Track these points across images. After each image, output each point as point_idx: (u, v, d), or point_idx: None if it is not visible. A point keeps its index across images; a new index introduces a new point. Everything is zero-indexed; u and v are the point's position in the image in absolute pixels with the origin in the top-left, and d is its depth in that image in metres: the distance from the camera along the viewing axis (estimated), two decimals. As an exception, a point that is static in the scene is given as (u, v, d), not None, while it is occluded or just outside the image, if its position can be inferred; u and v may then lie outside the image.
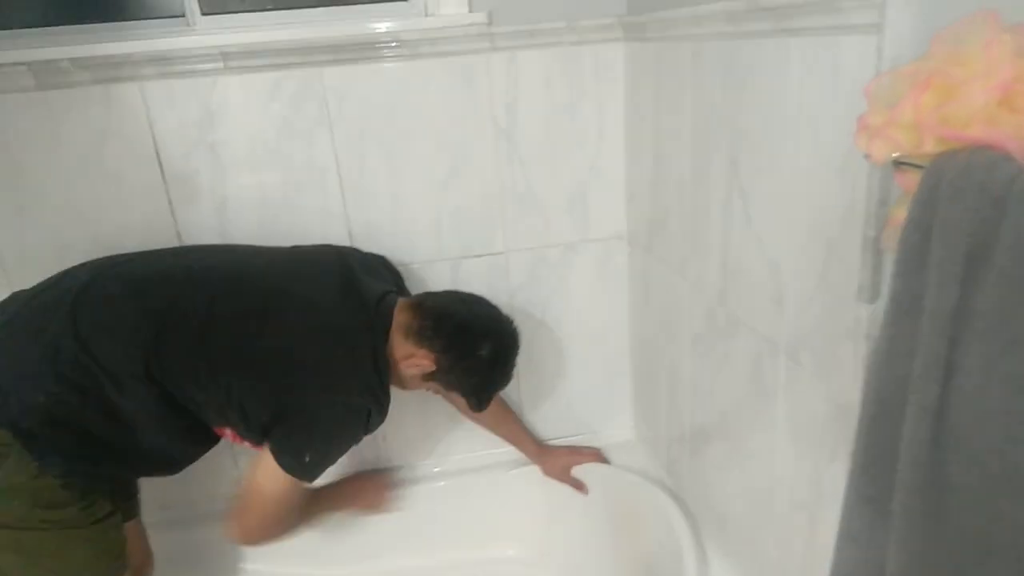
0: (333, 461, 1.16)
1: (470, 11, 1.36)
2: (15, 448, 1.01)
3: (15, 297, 1.15)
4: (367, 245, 1.47)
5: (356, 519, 1.53)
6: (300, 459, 1.11)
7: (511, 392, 1.63)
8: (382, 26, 1.33)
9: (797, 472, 0.98)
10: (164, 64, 1.30)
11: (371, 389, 1.14)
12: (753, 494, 1.12)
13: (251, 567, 1.60)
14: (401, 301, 1.25)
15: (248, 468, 1.17)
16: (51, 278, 1.15)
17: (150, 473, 1.22)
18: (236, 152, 1.38)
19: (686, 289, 1.27)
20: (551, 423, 1.70)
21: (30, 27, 1.35)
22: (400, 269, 1.49)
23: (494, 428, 1.56)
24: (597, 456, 1.61)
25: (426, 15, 1.38)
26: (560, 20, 1.39)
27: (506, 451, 1.63)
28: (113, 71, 1.29)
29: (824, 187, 0.81)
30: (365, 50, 1.35)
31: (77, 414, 1.04)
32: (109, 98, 1.31)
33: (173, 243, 1.41)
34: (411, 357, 1.20)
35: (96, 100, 1.30)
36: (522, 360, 1.60)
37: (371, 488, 1.48)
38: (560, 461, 1.59)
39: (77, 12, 1.37)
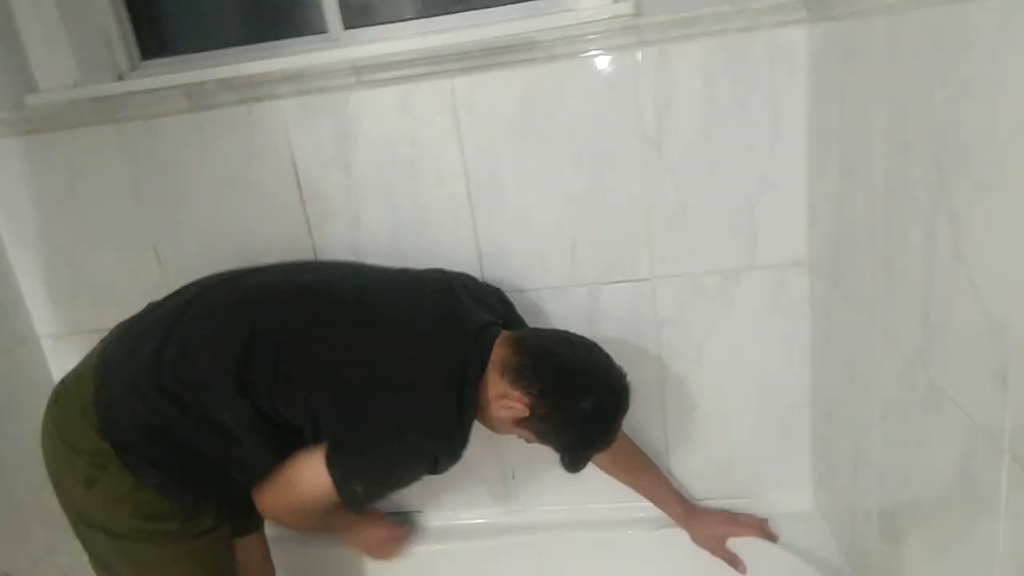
0: (384, 496, 1.10)
1: (614, 1, 1.17)
2: (114, 460, 1.02)
3: (148, 308, 1.19)
4: (496, 265, 1.35)
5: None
6: (349, 483, 1.05)
7: (656, 441, 1.41)
8: (514, 27, 1.20)
9: (1027, 625, 0.66)
10: (300, 81, 1.29)
11: (447, 433, 1.03)
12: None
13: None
14: (504, 335, 1.12)
15: (302, 451, 1.08)
16: (172, 293, 1.17)
17: (247, 488, 1.19)
18: (368, 169, 1.33)
19: (877, 337, 0.97)
20: (706, 481, 1.45)
21: (191, 52, 1.42)
22: (531, 295, 1.36)
23: (629, 481, 1.35)
24: (760, 528, 1.32)
25: (563, 10, 1.22)
26: (724, 2, 1.16)
27: (652, 506, 1.40)
28: (254, 91, 1.30)
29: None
30: (496, 55, 1.23)
31: (176, 426, 1.04)
32: (252, 117, 1.33)
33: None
34: (504, 397, 1.06)
35: (240, 120, 1.33)
36: (671, 403, 1.40)
37: (381, 539, 1.37)
38: (714, 529, 1.33)
39: (231, 36, 1.42)
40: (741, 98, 1.20)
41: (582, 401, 1.06)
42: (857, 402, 1.09)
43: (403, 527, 1.46)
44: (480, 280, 1.27)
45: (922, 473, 0.87)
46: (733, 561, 1.31)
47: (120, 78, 1.43)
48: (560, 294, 1.35)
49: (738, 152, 1.23)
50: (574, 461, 1.13)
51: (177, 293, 1.17)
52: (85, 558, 1.53)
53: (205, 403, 1.04)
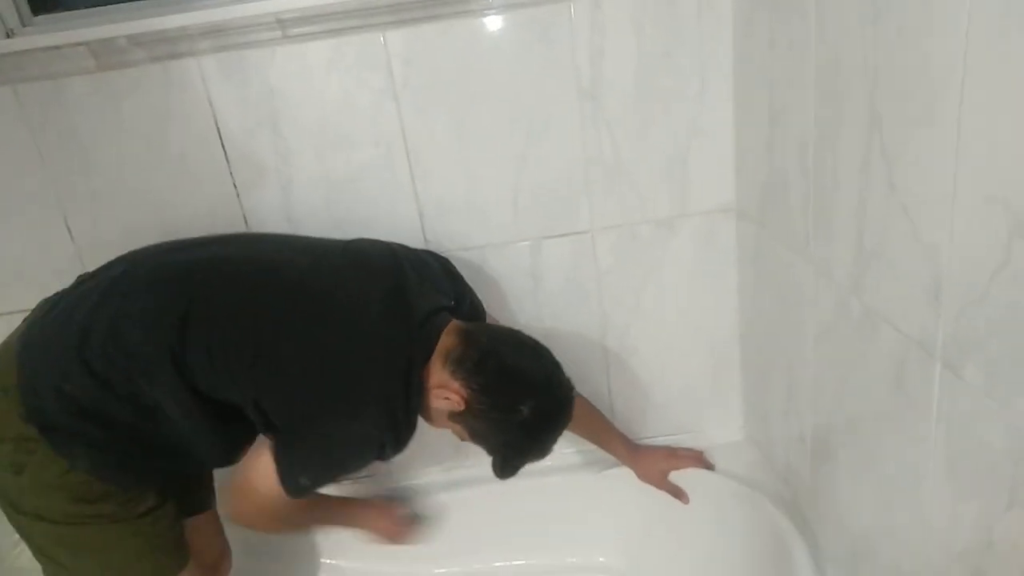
0: (330, 483, 1.07)
1: (546, -49, 1.17)
2: (41, 445, 0.96)
3: (78, 281, 1.11)
4: (437, 224, 1.34)
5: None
6: (295, 474, 1.00)
7: (599, 386, 1.47)
8: (447, -23, 1.18)
9: (957, 514, 0.75)
10: (220, 36, 1.21)
11: (394, 421, 1.00)
12: (895, 529, 0.90)
13: (331, 562, 1.55)
14: (453, 324, 1.09)
15: (248, 453, 1.06)
16: (100, 269, 1.10)
17: (185, 469, 1.15)
18: (299, 129, 1.28)
19: (809, 273, 1.04)
20: (646, 421, 1.52)
21: (92, 6, 1.31)
22: (474, 252, 1.36)
23: (576, 428, 1.39)
24: (699, 459, 1.41)
25: (496, -39, 1.21)
26: (654, -47, 1.18)
27: (595, 448, 1.46)
28: (169, 47, 1.22)
29: (1010, 137, 0.59)
30: (430, 7, 1.20)
31: (104, 404, 0.98)
32: (168, 76, 1.24)
33: (240, 227, 1.34)
34: (442, 387, 1.03)
35: (155, 79, 1.24)
36: (613, 350, 1.46)
37: (387, 519, 1.32)
38: (656, 464, 1.40)
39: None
40: (670, 46, 1.24)
41: (520, 404, 1.02)
42: (789, 335, 1.17)
43: (403, 505, 1.42)
44: (426, 255, 1.22)
45: (856, 392, 0.95)
46: (676, 492, 1.39)
47: (9, 35, 1.29)
48: (503, 250, 1.37)
49: (669, 102, 1.27)
50: (504, 467, 1.09)
51: (107, 266, 1.09)
52: (8, 559, 1.44)
53: (136, 381, 0.98)
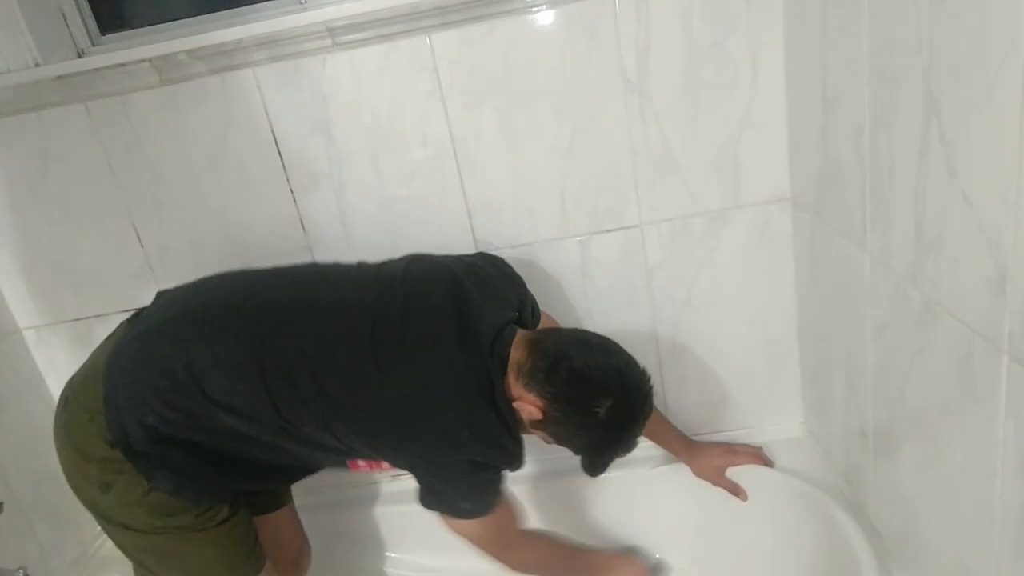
0: (496, 495, 1.09)
1: (590, -53, 1.17)
2: (127, 467, 1.02)
3: (159, 298, 1.15)
4: (486, 223, 1.36)
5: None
6: (460, 508, 1.07)
7: (652, 381, 1.45)
8: (490, -22, 1.19)
9: (1028, 513, 0.72)
10: (274, 47, 1.26)
11: (494, 444, 1.03)
12: (962, 526, 0.87)
13: (394, 555, 1.59)
14: (520, 335, 1.09)
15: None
16: (182, 288, 1.14)
17: (268, 486, 1.20)
18: (350, 133, 1.32)
19: (867, 263, 1.01)
20: (701, 417, 1.50)
21: (155, 24, 1.38)
22: (522, 250, 1.37)
23: None
24: (757, 456, 1.38)
25: (539, -42, 1.21)
26: (699, -57, 1.16)
27: (652, 444, 1.44)
28: (226, 59, 1.27)
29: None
30: (474, 7, 1.22)
31: (187, 434, 1.03)
32: (225, 87, 1.29)
33: (298, 232, 1.39)
34: (519, 400, 1.04)
35: (214, 90, 1.29)
36: (665, 345, 1.44)
37: (632, 572, 1.28)
38: (713, 461, 1.38)
39: (198, 5, 1.37)
40: (720, 37, 1.22)
41: (596, 406, 1.02)
42: (847, 327, 1.13)
43: (642, 560, 1.41)
44: (482, 261, 1.21)
45: (918, 386, 0.92)
46: (734, 489, 1.37)
47: (80, 55, 1.37)
48: (551, 247, 1.37)
49: (719, 92, 1.25)
50: (592, 466, 1.11)
51: (188, 289, 1.13)
52: (91, 549, 1.53)
53: (217, 417, 1.02)
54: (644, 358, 1.42)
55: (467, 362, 1.03)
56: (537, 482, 1.51)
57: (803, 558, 1.27)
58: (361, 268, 1.18)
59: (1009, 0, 0.61)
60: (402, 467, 1.09)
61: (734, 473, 1.37)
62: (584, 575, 1.26)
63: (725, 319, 1.42)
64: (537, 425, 1.06)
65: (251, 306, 1.07)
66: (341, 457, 1.14)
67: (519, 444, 1.06)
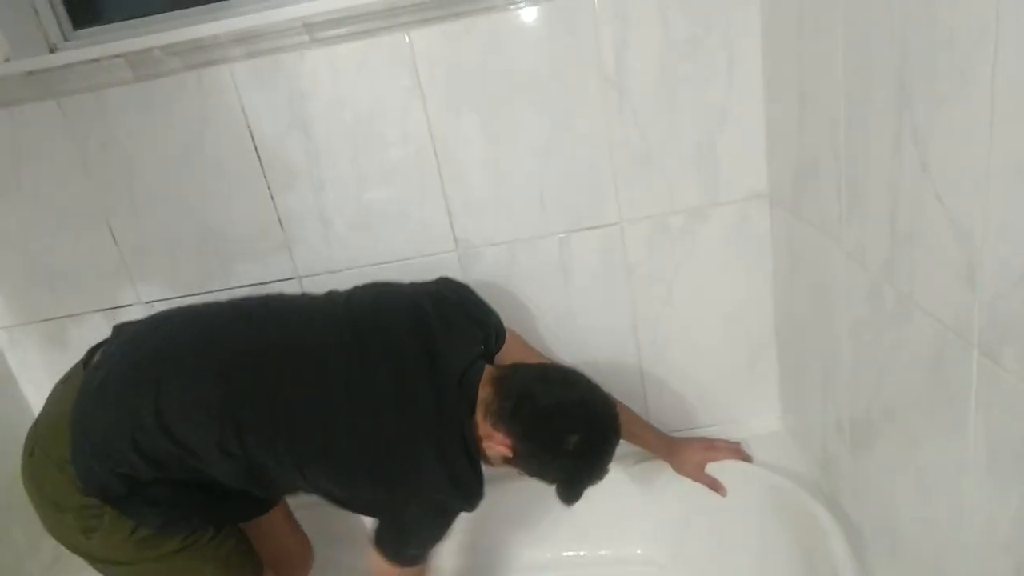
0: (435, 545, 1.11)
1: (568, -57, 1.17)
2: (107, 511, 1.01)
3: (117, 334, 1.12)
4: (466, 221, 1.35)
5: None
6: (405, 552, 1.09)
7: (632, 379, 1.46)
8: (469, -27, 1.18)
9: (996, 504, 0.73)
10: (250, 42, 1.24)
11: (462, 484, 1.04)
12: (935, 519, 0.88)
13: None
14: (486, 372, 1.11)
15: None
16: (142, 327, 1.12)
17: (252, 512, 1.21)
18: (329, 131, 1.31)
19: (842, 259, 1.02)
20: (681, 413, 1.50)
21: (130, 19, 1.36)
22: (503, 248, 1.37)
23: None
24: (736, 451, 1.39)
25: (517, -45, 1.21)
26: (675, -61, 1.17)
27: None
28: (202, 55, 1.25)
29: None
30: (453, 4, 1.21)
31: (161, 479, 1.02)
32: (202, 84, 1.28)
33: (276, 230, 1.38)
34: (489, 438, 1.06)
35: (190, 87, 1.28)
36: (645, 342, 1.45)
37: None
38: (693, 456, 1.39)
39: (173, 0, 1.36)
40: (697, 32, 1.22)
41: (563, 441, 1.05)
42: (824, 323, 1.14)
43: None
44: (446, 290, 1.20)
45: (893, 381, 0.92)
46: (713, 485, 1.37)
47: (53, 50, 1.35)
48: (531, 245, 1.37)
49: (696, 88, 1.26)
50: (567, 496, 1.12)
51: (149, 328, 1.11)
52: (68, 551, 1.51)
53: (190, 463, 1.02)
54: (624, 355, 1.45)
55: (437, 403, 1.04)
56: (517, 478, 1.50)
57: (782, 551, 1.27)
58: (327, 304, 1.15)
59: (978, -4, 0.62)
60: (365, 510, 1.11)
61: (714, 468, 1.38)
62: None
63: (704, 316, 1.42)
64: (509, 461, 1.08)
65: (217, 351, 1.06)
66: (318, 494, 1.13)
67: (481, 484, 1.07)
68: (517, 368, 1.14)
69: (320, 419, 1.02)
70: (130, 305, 1.43)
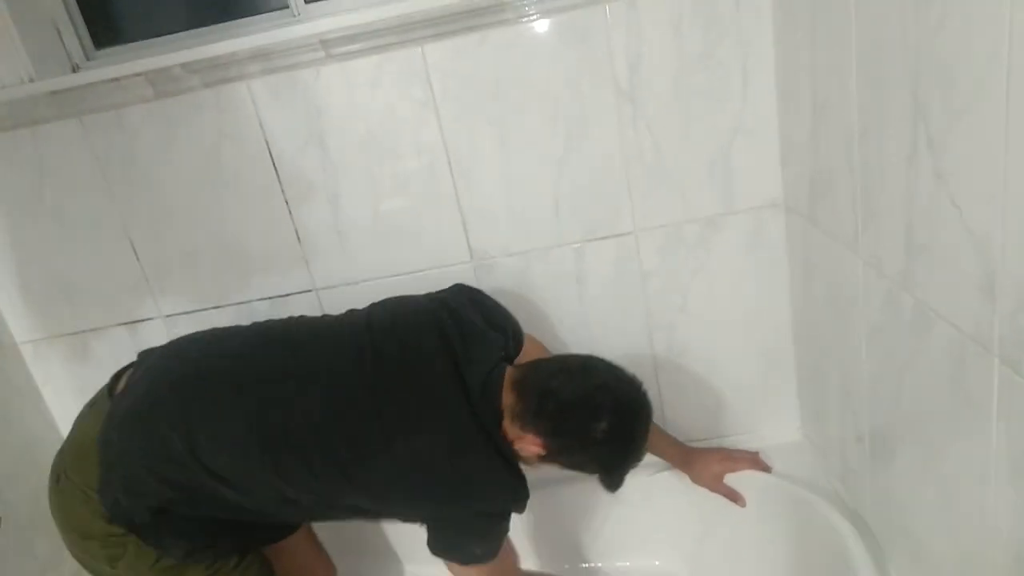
0: (502, 540, 1.11)
1: (580, -43, 1.18)
2: (131, 540, 1.02)
3: (142, 359, 1.14)
4: (481, 232, 1.36)
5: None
6: (472, 553, 1.09)
7: (648, 389, 1.43)
8: (483, -12, 1.19)
9: (1021, 518, 0.72)
10: (267, 60, 1.26)
11: (503, 489, 1.06)
12: (958, 531, 0.87)
13: (411, 568, 1.58)
14: (507, 375, 1.10)
15: None
16: (169, 353, 1.13)
17: (279, 536, 1.21)
18: (344, 145, 1.32)
19: (859, 268, 1.01)
20: (698, 423, 1.50)
21: (146, 38, 1.38)
22: (518, 259, 1.37)
23: None
24: (755, 461, 1.38)
25: (530, -31, 1.22)
26: (688, -48, 1.17)
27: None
28: (221, 72, 1.27)
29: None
30: (465, 18, 1.22)
31: (187, 507, 1.03)
32: (219, 100, 1.30)
33: (293, 244, 1.39)
34: (520, 440, 1.06)
35: (208, 103, 1.30)
36: (661, 352, 1.44)
37: None
38: (710, 467, 1.38)
39: (186, 19, 1.38)
40: (711, 45, 1.22)
41: (593, 429, 1.04)
42: (841, 332, 1.14)
43: None
44: (460, 297, 1.21)
45: (912, 390, 0.92)
46: (732, 496, 1.36)
47: (75, 69, 1.38)
48: (546, 255, 1.37)
49: (710, 100, 1.26)
50: (610, 482, 1.12)
51: (174, 355, 1.12)
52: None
53: (219, 490, 1.02)
54: (640, 365, 1.44)
55: (465, 416, 1.04)
56: (535, 490, 1.50)
57: (801, 563, 1.26)
58: (349, 325, 1.15)
59: (991, 5, 0.62)
60: (413, 521, 1.11)
61: (732, 479, 1.37)
62: None
63: (721, 325, 1.42)
64: (545, 459, 1.08)
65: (246, 378, 1.06)
66: (352, 517, 1.16)
67: (524, 485, 1.08)
68: (535, 366, 1.14)
69: (356, 445, 1.02)
70: (151, 319, 1.45)
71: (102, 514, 1.02)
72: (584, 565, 1.53)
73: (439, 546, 1.09)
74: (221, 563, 1.09)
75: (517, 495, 1.08)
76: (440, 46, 1.25)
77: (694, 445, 1.46)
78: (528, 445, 1.05)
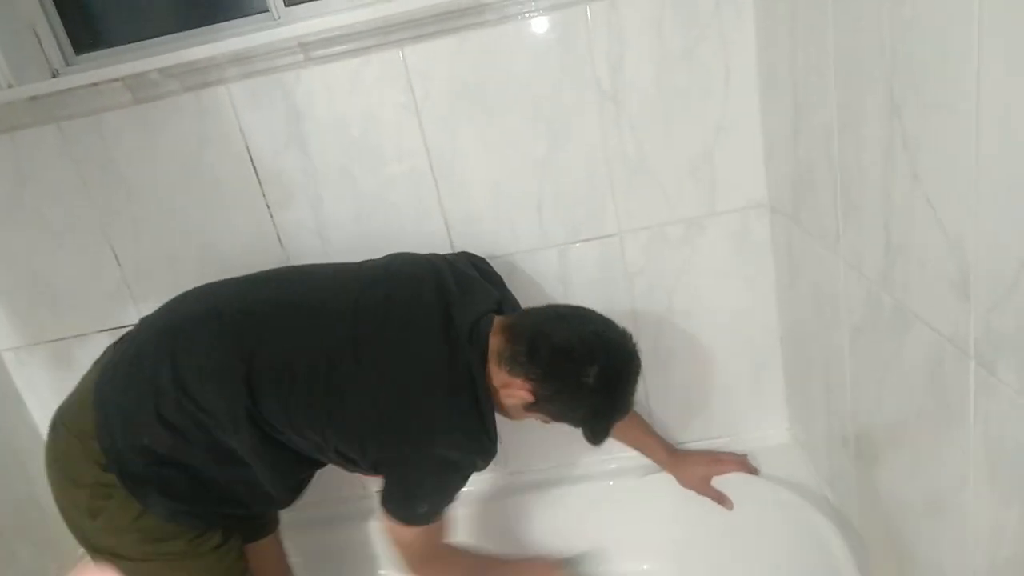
0: (449, 504, 1.08)
1: (559, -43, 1.17)
2: (119, 492, 1.01)
3: (141, 323, 1.14)
4: (465, 235, 1.35)
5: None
6: (415, 511, 1.05)
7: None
8: (461, -11, 1.19)
9: (999, 520, 0.71)
10: (246, 63, 1.26)
11: (473, 438, 1.02)
12: (941, 534, 0.86)
13: (384, 573, 1.57)
14: (496, 322, 1.08)
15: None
16: (162, 308, 1.13)
17: (260, 508, 1.17)
18: (325, 148, 1.31)
19: (841, 268, 1.00)
20: (685, 425, 1.49)
21: (126, 43, 1.38)
22: (502, 260, 1.36)
23: (614, 433, 1.37)
24: (742, 464, 1.37)
25: (509, -30, 1.21)
26: (667, -49, 1.16)
27: (637, 454, 1.43)
28: (200, 76, 1.27)
29: (1029, 123, 0.55)
30: (445, 20, 1.21)
31: (180, 453, 1.02)
32: (200, 104, 1.29)
33: (275, 248, 1.38)
34: (507, 387, 1.03)
35: (188, 108, 1.29)
36: (647, 353, 1.41)
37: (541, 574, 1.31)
38: (697, 470, 1.37)
39: (166, 24, 1.37)
40: (692, 44, 1.21)
41: (583, 375, 1.02)
42: (825, 333, 1.13)
43: (558, 562, 1.38)
44: (464, 260, 1.22)
45: (893, 392, 0.91)
46: (719, 498, 1.36)
47: (55, 75, 1.37)
48: (531, 257, 1.36)
49: (692, 99, 1.25)
50: (594, 434, 1.10)
51: (167, 308, 1.12)
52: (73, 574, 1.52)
53: (210, 431, 1.01)
54: (625, 367, 1.43)
55: (448, 356, 1.02)
56: (524, 494, 1.50)
57: (788, 566, 1.25)
58: (342, 267, 1.17)
59: (964, 3, 0.61)
60: (374, 468, 1.06)
61: (719, 481, 1.36)
62: None
63: (707, 326, 1.41)
64: (532, 408, 1.05)
65: (232, 313, 1.06)
66: (321, 462, 1.12)
67: (492, 437, 1.04)
68: (526, 312, 1.13)
69: (329, 374, 1.01)
70: (132, 325, 1.44)
71: (97, 460, 1.01)
72: (573, 569, 1.51)
73: (389, 498, 1.05)
74: (203, 538, 1.07)
75: (485, 448, 1.03)
76: (420, 48, 1.24)
77: (682, 447, 1.45)
78: (516, 391, 1.02)
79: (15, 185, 1.34)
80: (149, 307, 1.41)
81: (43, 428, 1.51)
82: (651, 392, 1.46)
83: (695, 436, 1.49)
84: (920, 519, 0.91)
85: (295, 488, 1.15)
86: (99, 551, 1.06)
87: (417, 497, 1.05)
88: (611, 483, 1.48)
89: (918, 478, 0.89)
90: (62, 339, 1.46)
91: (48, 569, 1.47)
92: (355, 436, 1.03)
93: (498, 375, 1.04)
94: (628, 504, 1.46)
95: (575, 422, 1.09)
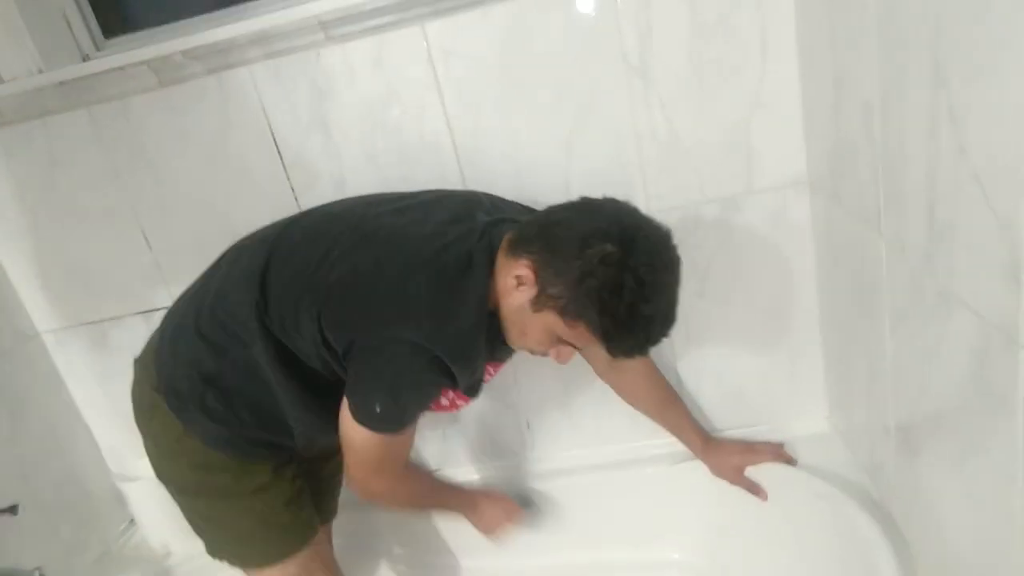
0: (412, 413, 1.00)
1: (585, -75, 1.11)
2: (162, 407, 1.06)
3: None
4: (489, 217, 1.32)
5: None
6: (371, 409, 0.96)
7: (666, 374, 1.40)
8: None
9: (1052, 523, 0.65)
10: (267, 43, 1.24)
11: (452, 336, 0.91)
12: (986, 533, 0.80)
13: (402, 551, 1.58)
14: (514, 229, 0.99)
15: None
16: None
17: (287, 442, 1.11)
18: (348, 128, 1.30)
19: (882, 250, 0.94)
20: (721, 412, 1.44)
21: (153, 26, 1.38)
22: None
23: (654, 412, 1.33)
24: (778, 454, 1.32)
25: (532, -61, 1.16)
26: (700, -85, 1.10)
27: (670, 441, 1.39)
28: (221, 58, 1.26)
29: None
30: (467, -7, 1.18)
31: (215, 368, 1.04)
32: (223, 86, 1.28)
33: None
34: (508, 270, 0.92)
35: (211, 90, 1.29)
36: (679, 337, 1.38)
37: (498, 514, 1.27)
38: (731, 459, 1.32)
39: (199, 4, 1.37)
40: (726, 14, 1.15)
41: (596, 246, 0.86)
42: (866, 317, 1.06)
43: (512, 502, 1.33)
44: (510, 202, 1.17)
45: (937, 381, 0.85)
46: (753, 489, 1.31)
47: (85, 59, 1.38)
48: (557, 238, 1.32)
49: (727, 73, 1.18)
50: (616, 339, 0.90)
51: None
52: (115, 548, 1.56)
53: (240, 339, 1.02)
54: (657, 352, 1.38)
55: (450, 241, 0.96)
56: (556, 478, 1.48)
57: (823, 561, 1.20)
58: (381, 195, 1.17)
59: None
60: (346, 356, 0.97)
61: (754, 471, 1.31)
62: (450, 511, 1.27)
63: (742, 309, 1.35)
64: (536, 303, 0.91)
65: (269, 235, 1.09)
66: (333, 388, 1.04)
67: (477, 352, 0.95)
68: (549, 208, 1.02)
69: (330, 250, 0.99)
70: (165, 308, 1.45)
71: (152, 383, 1.07)
72: (602, 556, 1.49)
73: (349, 391, 0.98)
74: (248, 476, 1.09)
75: (461, 350, 0.93)
76: (441, 24, 1.20)
77: (716, 435, 1.40)
78: (517, 272, 0.91)
79: (48, 170, 1.36)
80: (180, 289, 1.43)
81: (83, 407, 1.57)
82: (684, 377, 1.42)
83: (730, 424, 1.44)
84: (964, 516, 0.85)
85: (317, 412, 1.06)
86: (164, 482, 1.13)
87: (374, 391, 0.96)
88: (641, 471, 1.44)
89: (964, 471, 0.83)
90: (98, 321, 1.49)
91: (89, 543, 1.52)
92: (335, 312, 0.96)
93: (504, 265, 0.95)
94: (660, 492, 1.43)
95: (590, 320, 0.89)
